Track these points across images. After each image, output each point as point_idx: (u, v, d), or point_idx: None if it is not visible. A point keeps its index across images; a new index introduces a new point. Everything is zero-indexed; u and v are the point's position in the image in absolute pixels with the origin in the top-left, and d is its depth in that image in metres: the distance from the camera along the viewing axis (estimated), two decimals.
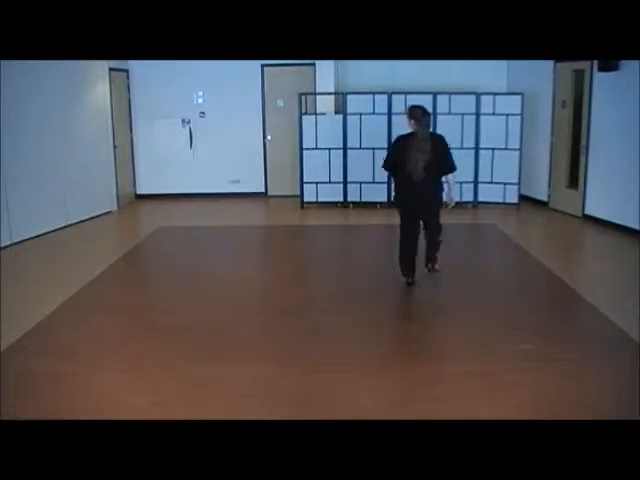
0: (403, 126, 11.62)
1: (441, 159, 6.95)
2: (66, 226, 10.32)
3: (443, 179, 7.15)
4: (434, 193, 7.08)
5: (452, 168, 7.08)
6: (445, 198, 7.28)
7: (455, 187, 7.46)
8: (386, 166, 7.32)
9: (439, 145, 7.02)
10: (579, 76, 10.80)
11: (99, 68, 11.49)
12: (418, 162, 6.85)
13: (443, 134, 11.60)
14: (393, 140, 7.29)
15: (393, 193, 7.44)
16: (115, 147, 12.07)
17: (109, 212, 11.80)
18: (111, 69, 11.85)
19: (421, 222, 7.22)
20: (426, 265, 7.41)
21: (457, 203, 11.81)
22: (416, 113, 7.05)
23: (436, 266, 7.39)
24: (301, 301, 6.80)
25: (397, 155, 7.09)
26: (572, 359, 5.25)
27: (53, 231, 9.94)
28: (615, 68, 9.57)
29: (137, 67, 12.80)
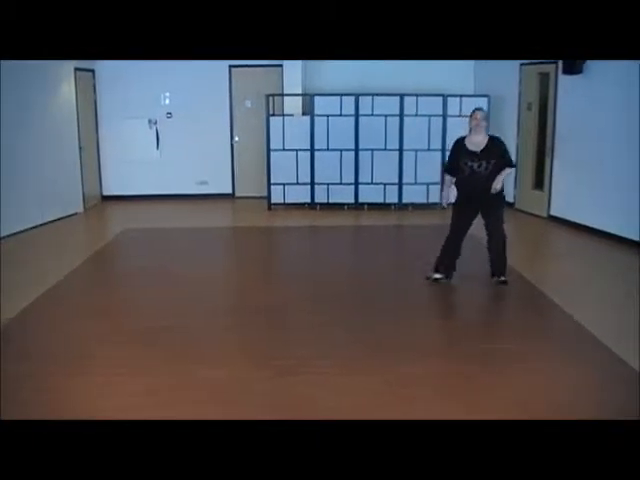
0: (370, 127, 11.75)
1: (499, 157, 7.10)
2: (30, 228, 10.16)
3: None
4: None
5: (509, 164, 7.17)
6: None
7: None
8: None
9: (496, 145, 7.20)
10: (544, 79, 10.91)
11: (64, 68, 11.36)
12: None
13: (410, 135, 11.84)
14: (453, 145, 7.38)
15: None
16: (81, 148, 11.93)
17: (75, 214, 11.67)
18: (76, 69, 11.72)
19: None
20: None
21: (423, 204, 12.00)
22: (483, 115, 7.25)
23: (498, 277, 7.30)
24: (271, 303, 6.78)
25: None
26: (539, 358, 5.29)
27: (16, 234, 9.78)
28: (579, 71, 9.68)
29: (103, 67, 12.67)
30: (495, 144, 7.08)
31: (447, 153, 11.69)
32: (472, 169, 6.95)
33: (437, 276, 7.27)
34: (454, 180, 7.22)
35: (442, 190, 7.54)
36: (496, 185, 6.94)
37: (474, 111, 7.15)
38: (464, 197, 7.14)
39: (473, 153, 6.96)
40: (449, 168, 7.31)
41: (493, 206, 7.12)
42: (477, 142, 7.02)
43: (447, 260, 7.27)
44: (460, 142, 7.15)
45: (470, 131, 7.09)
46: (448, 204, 7.45)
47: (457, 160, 7.09)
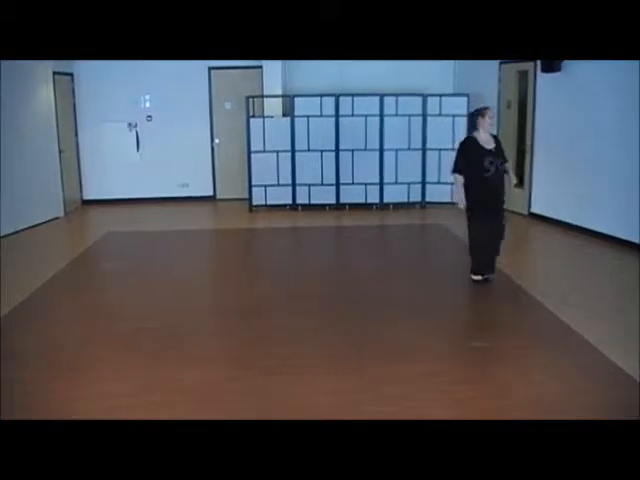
0: (351, 128, 11.77)
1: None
2: (10, 234, 10.08)
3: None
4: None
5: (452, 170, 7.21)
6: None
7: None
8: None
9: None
10: (523, 77, 10.97)
11: (42, 72, 11.29)
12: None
13: (390, 135, 11.87)
14: (464, 143, 7.20)
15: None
16: (60, 152, 11.86)
17: (56, 218, 11.60)
18: (55, 73, 11.66)
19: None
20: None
21: (404, 204, 12.03)
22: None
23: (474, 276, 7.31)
24: (253, 304, 6.78)
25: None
26: (522, 355, 5.32)
27: None
28: (557, 69, 9.74)
29: (82, 70, 12.62)
30: (498, 141, 7.16)
31: (428, 153, 11.93)
32: (497, 167, 6.94)
33: (478, 278, 7.23)
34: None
35: (457, 192, 7.27)
36: (513, 181, 7.19)
37: (486, 109, 7.11)
38: (488, 196, 7.01)
39: (490, 152, 6.96)
40: (459, 169, 7.09)
41: (503, 203, 7.17)
42: (488, 140, 7.04)
43: (488, 260, 7.22)
44: (474, 141, 7.03)
45: (479, 130, 7.01)
46: (464, 206, 7.20)
47: (474, 159, 6.96)
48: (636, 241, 8.31)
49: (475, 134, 7.05)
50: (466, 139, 7.17)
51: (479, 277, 7.21)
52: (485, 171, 6.92)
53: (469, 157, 7.02)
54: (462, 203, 7.16)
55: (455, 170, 7.12)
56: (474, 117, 7.08)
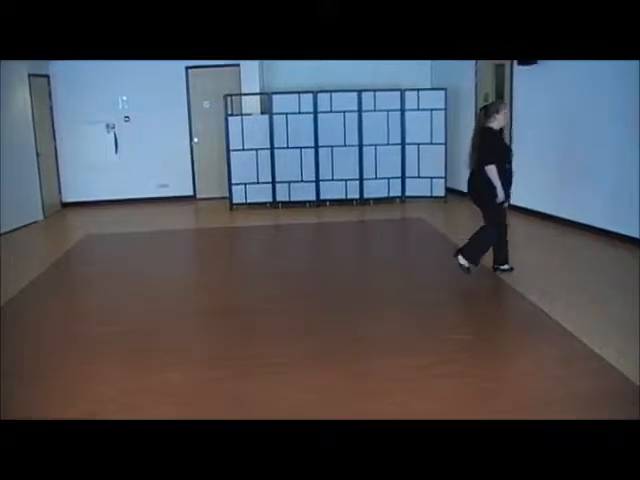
0: (329, 124, 11.77)
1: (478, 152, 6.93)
2: None
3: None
4: (483, 185, 6.95)
5: (483, 162, 6.86)
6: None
7: (496, 181, 6.87)
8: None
9: (479, 139, 6.99)
10: (500, 70, 11.02)
11: (17, 74, 11.23)
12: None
13: (369, 131, 11.89)
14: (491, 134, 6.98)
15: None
16: (38, 155, 11.80)
17: (35, 222, 11.54)
18: (30, 75, 11.60)
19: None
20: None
21: (385, 199, 12.06)
22: None
23: (463, 259, 7.08)
24: (233, 303, 6.76)
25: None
26: (503, 347, 5.35)
27: None
28: (534, 62, 9.78)
29: (58, 72, 12.57)
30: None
31: (407, 147, 11.95)
32: (510, 163, 7.01)
33: (506, 267, 7.32)
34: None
35: (497, 184, 6.88)
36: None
37: (504, 105, 7.16)
38: (507, 192, 7.03)
39: (509, 146, 7.09)
40: (493, 160, 6.86)
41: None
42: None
43: (504, 250, 7.30)
44: (498, 133, 7.01)
45: (493, 125, 6.91)
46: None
47: (501, 152, 6.95)
48: (617, 231, 8.37)
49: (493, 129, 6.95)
50: (490, 130, 6.94)
51: (506, 267, 7.32)
52: (508, 163, 6.96)
53: (498, 149, 6.95)
54: (501, 195, 6.95)
55: (491, 161, 6.80)
56: (489, 111, 6.96)
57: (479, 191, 7.05)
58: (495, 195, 6.88)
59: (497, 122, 6.94)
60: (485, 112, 7.01)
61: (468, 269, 7.03)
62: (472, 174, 7.08)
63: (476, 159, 6.90)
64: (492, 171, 6.83)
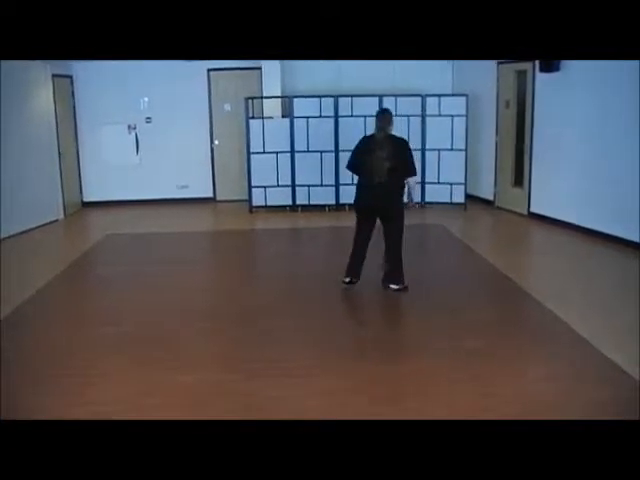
0: (350, 128, 11.77)
1: (401, 162, 6.80)
2: (10, 236, 10.08)
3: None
4: (395, 196, 6.88)
5: (411, 172, 6.90)
6: (405, 199, 7.09)
7: (415, 189, 7.18)
8: (349, 167, 7.19)
9: (399, 148, 6.88)
10: (522, 77, 10.98)
11: (42, 74, 11.32)
12: (380, 164, 6.72)
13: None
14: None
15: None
16: (60, 154, 11.89)
17: (55, 221, 11.62)
18: (54, 75, 11.67)
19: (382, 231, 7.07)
20: (383, 282, 7.10)
21: (404, 204, 11.99)
22: (376, 116, 7.06)
23: (396, 286, 7.00)
24: (250, 305, 6.79)
25: (358, 156, 6.98)
26: (518, 354, 5.33)
27: None
28: (556, 69, 9.75)
29: (81, 73, 12.64)
30: None
31: (428, 153, 11.93)
32: None
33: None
34: None
35: (415, 192, 7.35)
36: None
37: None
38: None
39: None
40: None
41: None
42: None
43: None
44: None
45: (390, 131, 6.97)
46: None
47: None
48: (635, 240, 8.32)
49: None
50: (403, 138, 7.10)
51: (349, 279, 7.12)
52: None
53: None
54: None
55: (415, 172, 6.98)
56: (391, 116, 7.02)
57: (391, 203, 6.88)
58: (408, 206, 7.06)
59: (390, 129, 6.94)
60: (390, 117, 6.99)
61: (405, 287, 6.97)
62: (373, 186, 6.81)
63: (390, 169, 6.73)
64: (414, 181, 6.98)
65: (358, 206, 7.06)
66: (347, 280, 7.08)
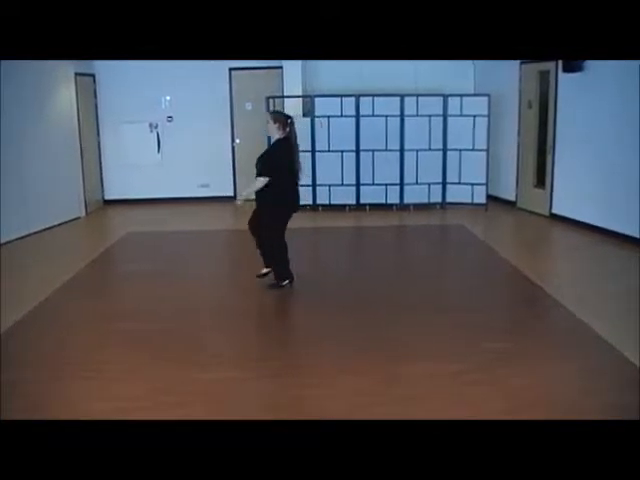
0: (371, 128, 11.76)
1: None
2: (32, 234, 10.15)
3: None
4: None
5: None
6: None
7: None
8: (271, 172, 7.16)
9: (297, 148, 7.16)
10: (544, 77, 10.91)
11: (64, 73, 11.39)
12: (298, 164, 7.05)
13: (411, 136, 11.85)
14: (272, 144, 7.26)
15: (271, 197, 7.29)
16: (82, 152, 11.96)
17: (77, 218, 11.69)
18: (77, 74, 11.75)
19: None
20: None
21: (425, 204, 11.99)
22: (281, 118, 7.04)
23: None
24: (268, 304, 6.81)
25: (284, 159, 7.06)
26: (540, 356, 5.28)
27: (17, 239, 9.75)
28: (579, 69, 9.68)
29: (103, 71, 12.71)
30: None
31: (449, 153, 11.89)
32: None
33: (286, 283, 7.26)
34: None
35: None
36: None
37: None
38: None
39: None
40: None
41: None
42: None
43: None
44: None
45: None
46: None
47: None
48: None
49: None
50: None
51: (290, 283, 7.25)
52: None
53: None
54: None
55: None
56: (287, 119, 7.03)
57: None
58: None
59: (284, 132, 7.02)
60: (284, 120, 7.03)
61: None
62: (297, 185, 7.21)
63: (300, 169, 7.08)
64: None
65: (294, 206, 7.28)
66: (285, 283, 7.24)
